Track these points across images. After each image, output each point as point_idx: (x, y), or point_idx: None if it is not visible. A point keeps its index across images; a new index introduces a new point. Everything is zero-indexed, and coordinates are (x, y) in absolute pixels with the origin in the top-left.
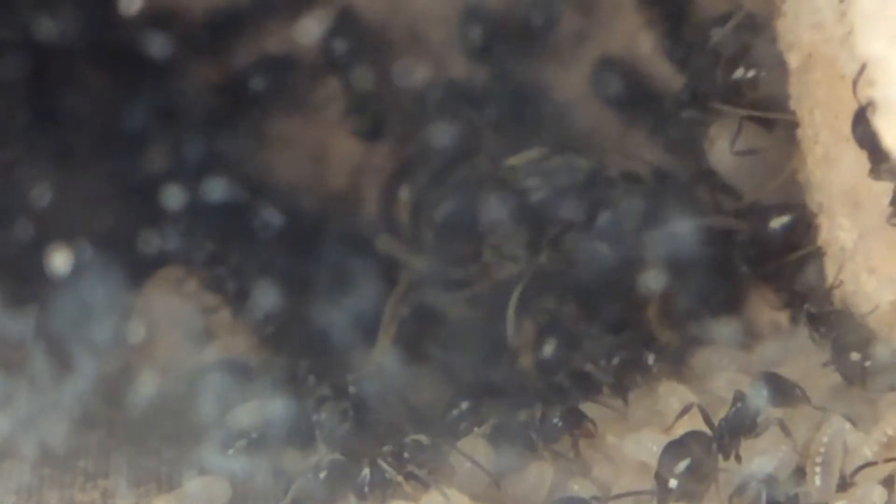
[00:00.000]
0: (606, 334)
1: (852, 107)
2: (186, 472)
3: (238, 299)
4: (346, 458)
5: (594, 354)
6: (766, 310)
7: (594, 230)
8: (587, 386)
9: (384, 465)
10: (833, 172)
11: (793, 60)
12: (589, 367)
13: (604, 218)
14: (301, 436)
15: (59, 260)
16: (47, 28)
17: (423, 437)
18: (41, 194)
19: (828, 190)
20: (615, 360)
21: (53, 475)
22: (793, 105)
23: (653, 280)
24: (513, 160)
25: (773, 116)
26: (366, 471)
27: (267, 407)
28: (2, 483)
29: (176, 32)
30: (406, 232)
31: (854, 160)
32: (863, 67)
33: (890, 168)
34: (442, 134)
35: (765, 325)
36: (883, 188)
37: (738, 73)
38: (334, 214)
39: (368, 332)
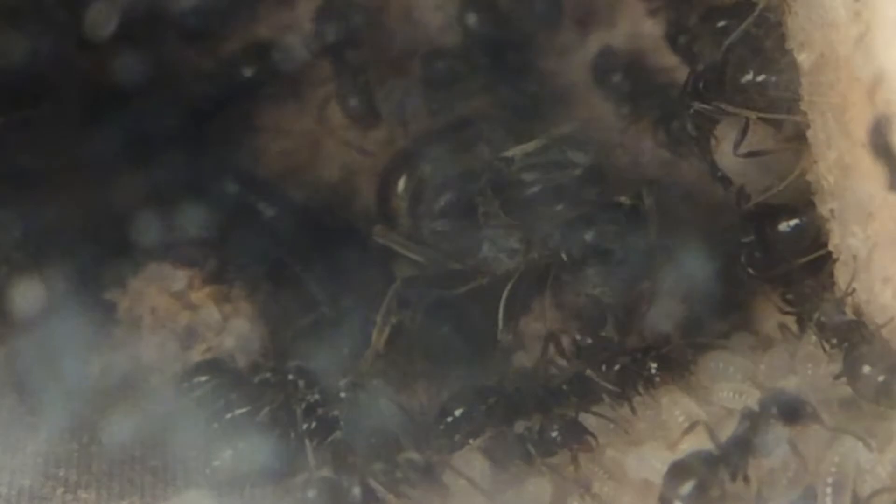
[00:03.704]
0: (605, 340)
1: (868, 113)
2: (171, 485)
3: (226, 294)
4: (335, 477)
5: (593, 360)
6: (773, 315)
7: (588, 237)
8: (586, 394)
9: (375, 485)
10: (847, 179)
11: (804, 60)
12: (589, 374)
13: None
14: (289, 450)
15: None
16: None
17: (415, 456)
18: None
19: (841, 197)
20: (616, 367)
21: (32, 486)
22: (804, 107)
23: (653, 286)
24: (510, 152)
25: (783, 118)
26: (356, 490)
27: (254, 415)
28: None
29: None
30: (403, 223)
31: (870, 168)
32: (880, 78)
33: None
34: (440, 124)
35: (772, 332)
36: None
37: (748, 77)
38: (328, 206)
39: (362, 331)
